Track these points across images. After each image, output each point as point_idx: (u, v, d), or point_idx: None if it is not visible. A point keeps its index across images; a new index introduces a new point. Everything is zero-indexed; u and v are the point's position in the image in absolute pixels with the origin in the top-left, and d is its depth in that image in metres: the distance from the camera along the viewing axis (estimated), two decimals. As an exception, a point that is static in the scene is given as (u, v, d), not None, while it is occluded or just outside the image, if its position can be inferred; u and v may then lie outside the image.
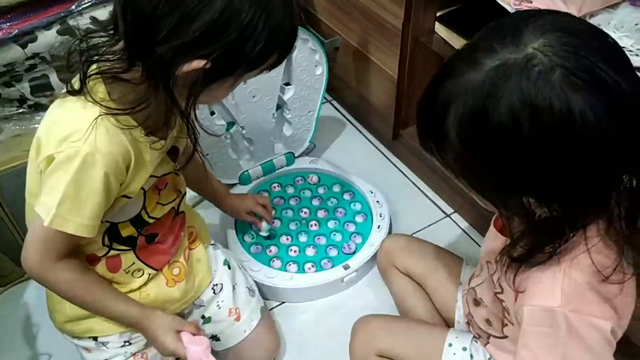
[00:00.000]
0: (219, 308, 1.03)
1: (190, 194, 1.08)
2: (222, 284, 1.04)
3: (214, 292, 1.03)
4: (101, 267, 0.86)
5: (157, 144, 0.79)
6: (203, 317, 1.03)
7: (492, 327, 0.84)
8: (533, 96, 0.54)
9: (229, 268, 1.07)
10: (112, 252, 0.86)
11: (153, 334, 0.88)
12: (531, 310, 0.67)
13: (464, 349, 0.89)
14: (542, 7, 0.90)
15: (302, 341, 1.14)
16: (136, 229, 0.86)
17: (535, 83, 0.54)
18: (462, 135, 0.59)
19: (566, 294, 0.64)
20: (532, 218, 0.63)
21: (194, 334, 0.90)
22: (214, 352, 0.90)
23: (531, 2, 0.91)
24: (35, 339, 1.15)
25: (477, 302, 0.87)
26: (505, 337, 0.81)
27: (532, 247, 0.66)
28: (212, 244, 1.09)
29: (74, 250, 0.81)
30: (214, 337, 1.04)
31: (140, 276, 0.91)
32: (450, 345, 0.90)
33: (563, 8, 0.88)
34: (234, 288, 1.05)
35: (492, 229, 0.82)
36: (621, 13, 0.84)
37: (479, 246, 1.26)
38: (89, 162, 0.70)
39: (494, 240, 0.80)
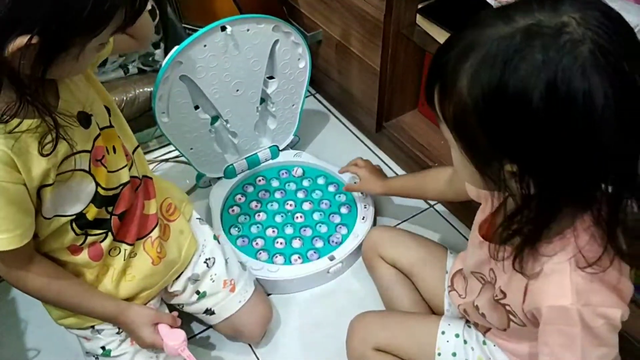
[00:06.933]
0: (213, 281, 1.04)
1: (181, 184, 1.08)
2: (214, 258, 1.05)
3: (207, 266, 1.04)
4: (83, 257, 0.87)
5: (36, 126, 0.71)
6: (198, 292, 1.03)
7: (494, 327, 0.84)
8: (555, 63, 0.53)
9: (219, 243, 1.08)
10: (90, 239, 0.86)
11: (130, 329, 0.91)
12: (547, 310, 0.67)
13: (457, 335, 0.91)
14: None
15: (288, 332, 1.15)
16: (103, 208, 0.85)
17: (561, 50, 0.53)
18: (472, 84, 0.57)
19: (576, 290, 0.64)
20: (514, 194, 0.62)
21: (171, 326, 0.92)
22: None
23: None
24: (24, 334, 1.15)
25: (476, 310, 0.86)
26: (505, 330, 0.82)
27: (524, 226, 0.64)
28: (198, 218, 1.10)
29: (53, 247, 0.83)
30: (208, 311, 1.04)
31: (118, 254, 0.91)
32: (443, 333, 0.92)
33: None
34: (226, 262, 1.06)
35: (474, 240, 0.81)
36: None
37: (462, 235, 1.29)
38: None
39: (480, 249, 0.79)
